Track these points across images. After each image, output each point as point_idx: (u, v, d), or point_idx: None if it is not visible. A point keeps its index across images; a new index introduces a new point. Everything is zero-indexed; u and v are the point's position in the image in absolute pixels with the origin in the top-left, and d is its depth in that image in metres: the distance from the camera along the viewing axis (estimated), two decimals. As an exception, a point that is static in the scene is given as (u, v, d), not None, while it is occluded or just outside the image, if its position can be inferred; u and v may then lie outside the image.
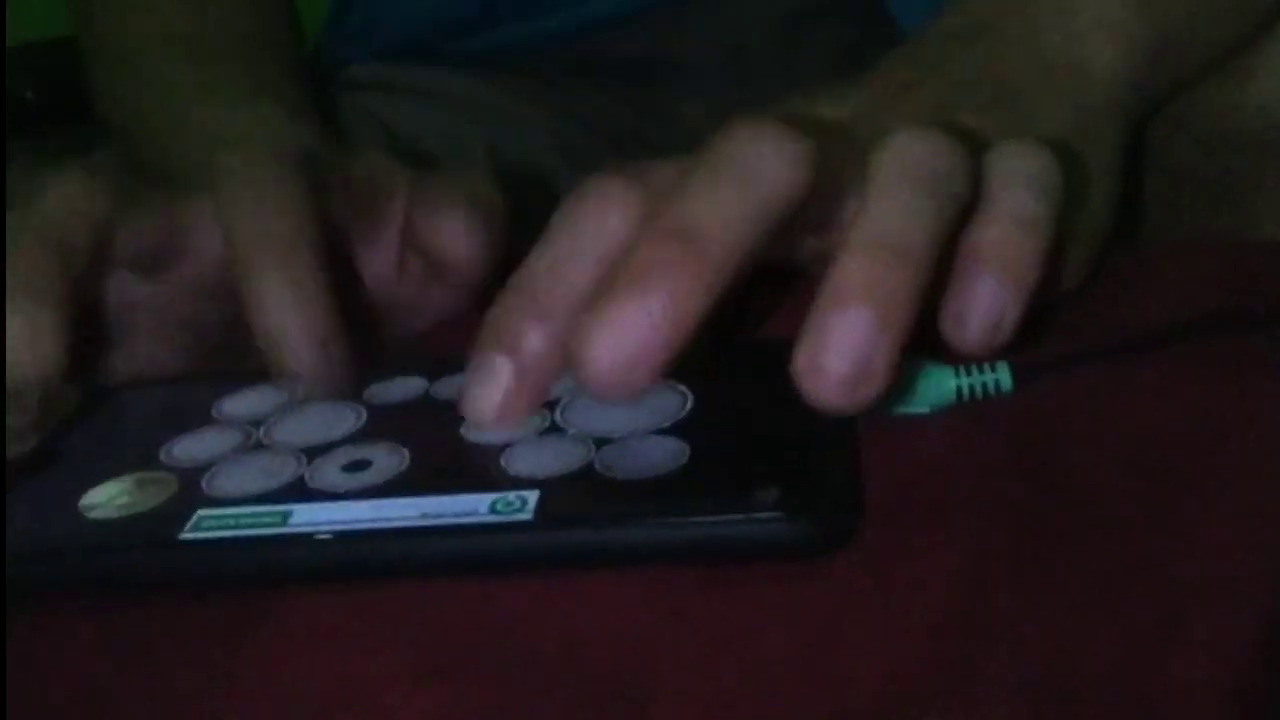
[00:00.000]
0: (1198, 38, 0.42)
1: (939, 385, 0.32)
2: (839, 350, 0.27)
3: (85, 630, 0.29)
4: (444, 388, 0.35)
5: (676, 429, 0.31)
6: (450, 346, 0.41)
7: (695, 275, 0.27)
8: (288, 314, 0.35)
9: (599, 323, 0.27)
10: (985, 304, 0.30)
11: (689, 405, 0.32)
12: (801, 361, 0.27)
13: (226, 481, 0.31)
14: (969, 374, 0.32)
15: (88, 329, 0.38)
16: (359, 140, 0.63)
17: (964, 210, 0.30)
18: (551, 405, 0.33)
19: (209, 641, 0.28)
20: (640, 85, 0.67)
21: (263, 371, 0.37)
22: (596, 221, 0.29)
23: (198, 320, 0.40)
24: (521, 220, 0.58)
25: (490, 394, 0.29)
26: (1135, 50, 0.39)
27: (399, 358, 0.39)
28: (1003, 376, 0.32)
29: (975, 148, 0.31)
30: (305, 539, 0.29)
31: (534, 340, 0.29)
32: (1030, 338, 0.33)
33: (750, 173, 0.29)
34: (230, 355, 0.40)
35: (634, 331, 0.27)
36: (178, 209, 0.38)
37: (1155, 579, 0.26)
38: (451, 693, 0.26)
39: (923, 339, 0.31)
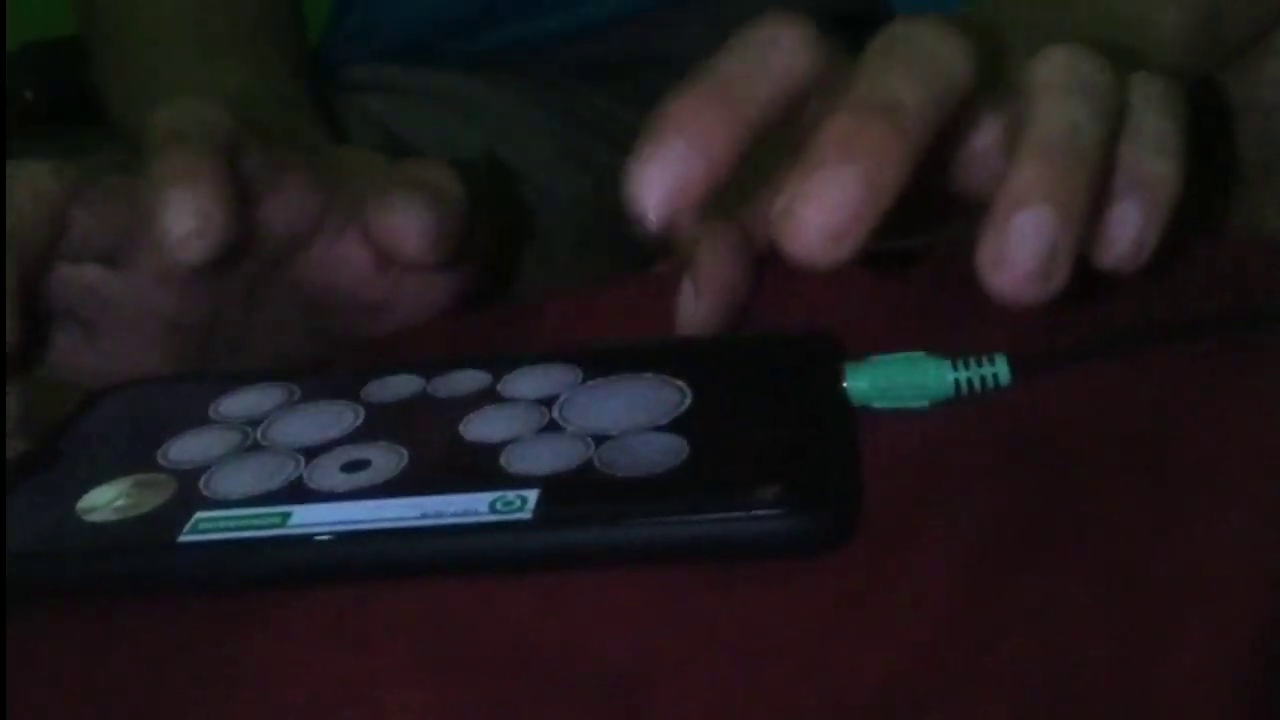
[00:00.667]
0: (1236, 12, 0.42)
1: (937, 379, 0.32)
2: (1027, 246, 0.28)
3: (85, 631, 0.29)
4: (441, 386, 0.35)
5: (675, 426, 0.31)
6: (447, 346, 0.42)
7: (896, 149, 0.28)
8: (173, 189, 0.35)
9: (807, 187, 0.27)
10: (1135, 228, 0.31)
11: (688, 402, 0.32)
12: (987, 257, 0.28)
13: (225, 483, 0.31)
14: (967, 368, 0.32)
15: (56, 322, 0.38)
16: (358, 141, 0.63)
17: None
18: (550, 402, 0.33)
19: (209, 642, 0.28)
20: (640, 85, 0.67)
21: (261, 371, 0.37)
22: (783, 47, 0.31)
23: (168, 314, 0.39)
24: (522, 220, 0.58)
25: (664, 175, 0.29)
26: (1191, 12, 0.40)
27: (395, 357, 0.39)
28: (1001, 370, 0.32)
29: (1121, 68, 0.32)
30: (304, 540, 0.29)
31: (712, 122, 0.29)
32: (1029, 332, 0.33)
33: (932, 59, 0.30)
34: (212, 356, 0.40)
35: (843, 197, 0.27)
36: (136, 193, 0.38)
37: (1155, 576, 0.26)
38: (451, 692, 0.26)
39: (922, 335, 0.31)
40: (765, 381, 0.33)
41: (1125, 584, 0.26)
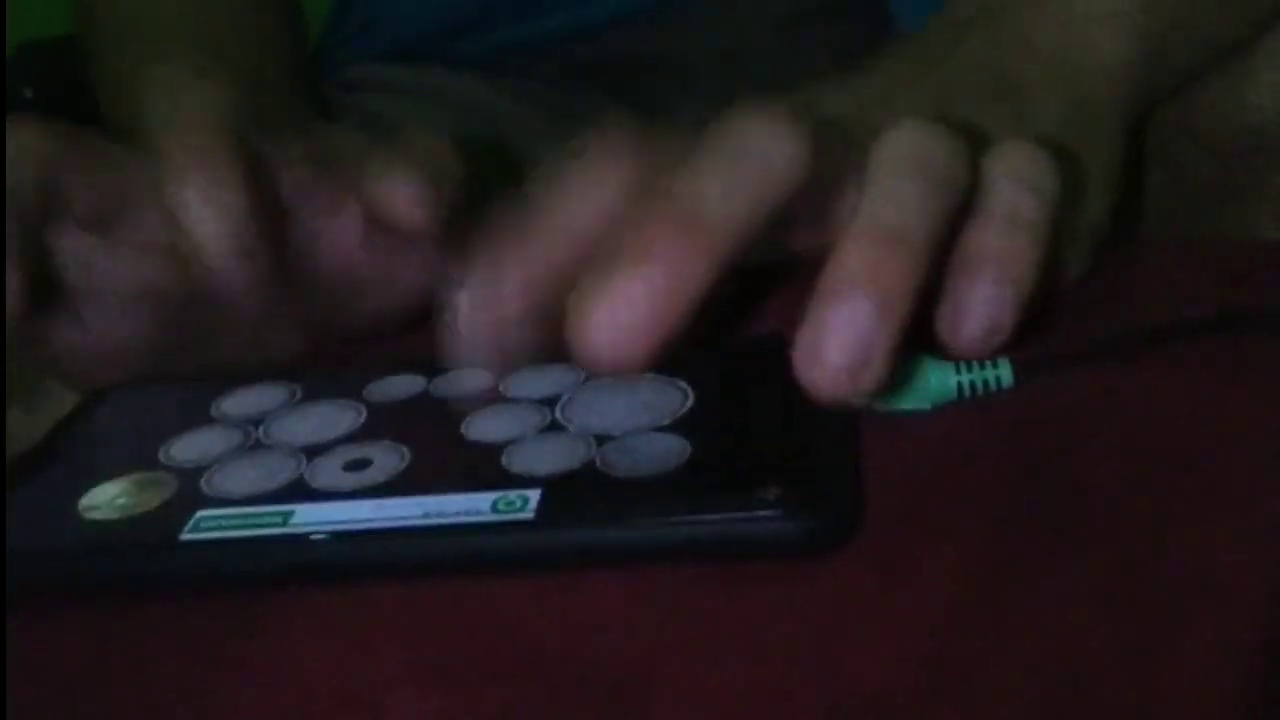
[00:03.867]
0: (1200, 32, 0.42)
1: (940, 382, 0.32)
2: (838, 339, 0.27)
3: (85, 630, 0.29)
4: (443, 385, 0.35)
5: (677, 426, 0.31)
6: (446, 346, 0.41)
7: (696, 255, 0.27)
8: (208, 218, 0.34)
9: (599, 294, 0.27)
10: (983, 306, 0.30)
11: (690, 402, 0.32)
12: (801, 351, 0.28)
13: (226, 482, 0.31)
14: (970, 370, 0.32)
15: (46, 294, 0.38)
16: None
17: (962, 206, 0.30)
18: (552, 403, 0.33)
19: (209, 641, 0.28)
20: (640, 85, 0.67)
21: (260, 371, 0.37)
22: (592, 191, 0.30)
23: (157, 287, 0.38)
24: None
25: (463, 316, 0.29)
26: (1138, 41, 0.39)
27: (397, 356, 0.39)
28: (1004, 373, 0.32)
29: (974, 143, 0.31)
30: (306, 539, 0.29)
31: (513, 280, 0.29)
32: (1031, 334, 0.33)
33: (753, 157, 0.29)
34: (201, 334, 0.39)
35: (634, 305, 0.27)
36: (129, 160, 0.37)
37: (1156, 577, 0.26)
38: (453, 692, 0.26)
39: (924, 336, 0.31)
40: (767, 382, 0.33)
41: (1127, 585, 0.26)
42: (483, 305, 0.29)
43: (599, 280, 0.27)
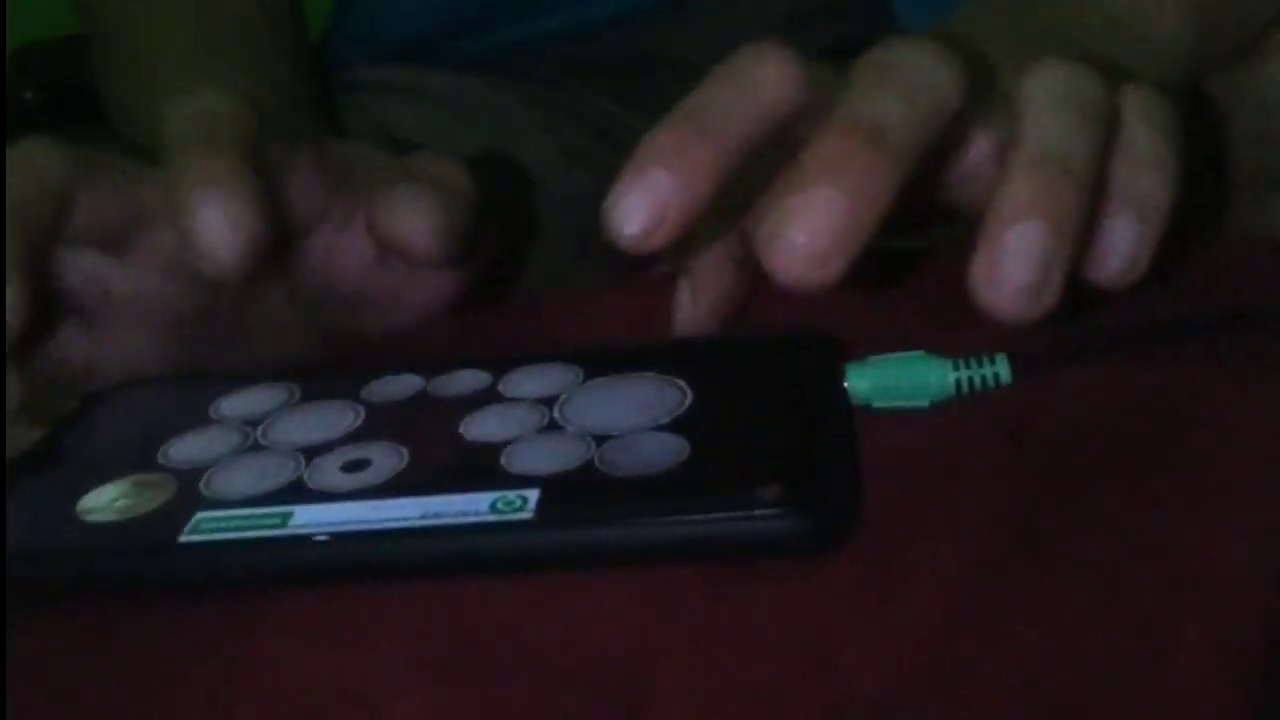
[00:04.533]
0: (1235, 15, 0.42)
1: (938, 379, 0.32)
2: (1018, 262, 0.28)
3: (85, 631, 0.29)
4: (442, 386, 0.35)
5: (676, 425, 0.31)
6: (445, 346, 0.42)
7: (883, 170, 0.28)
8: (207, 202, 0.34)
9: (793, 209, 0.28)
10: (1128, 242, 0.31)
11: (688, 401, 0.32)
12: (980, 273, 0.29)
13: (225, 483, 0.31)
14: (968, 367, 0.32)
15: (60, 314, 0.38)
16: (359, 142, 0.63)
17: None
18: (551, 402, 0.33)
19: (209, 643, 0.28)
20: (640, 85, 0.67)
21: (261, 371, 0.37)
22: (766, 76, 0.30)
23: (170, 304, 0.39)
24: (524, 221, 0.58)
25: (643, 205, 0.29)
26: (1190, 16, 0.40)
27: (395, 356, 0.39)
28: (1002, 370, 0.32)
29: (1113, 81, 0.32)
30: (305, 540, 0.29)
31: (694, 153, 0.29)
32: (1029, 332, 0.33)
33: (920, 81, 0.30)
34: (212, 349, 0.40)
35: (828, 220, 0.27)
36: (144, 180, 0.37)
37: (1155, 576, 0.26)
38: (452, 692, 0.26)
39: (920, 333, 0.31)
40: (766, 381, 0.33)
41: (1126, 584, 0.26)
42: (647, 196, 0.29)
43: (790, 200, 0.28)
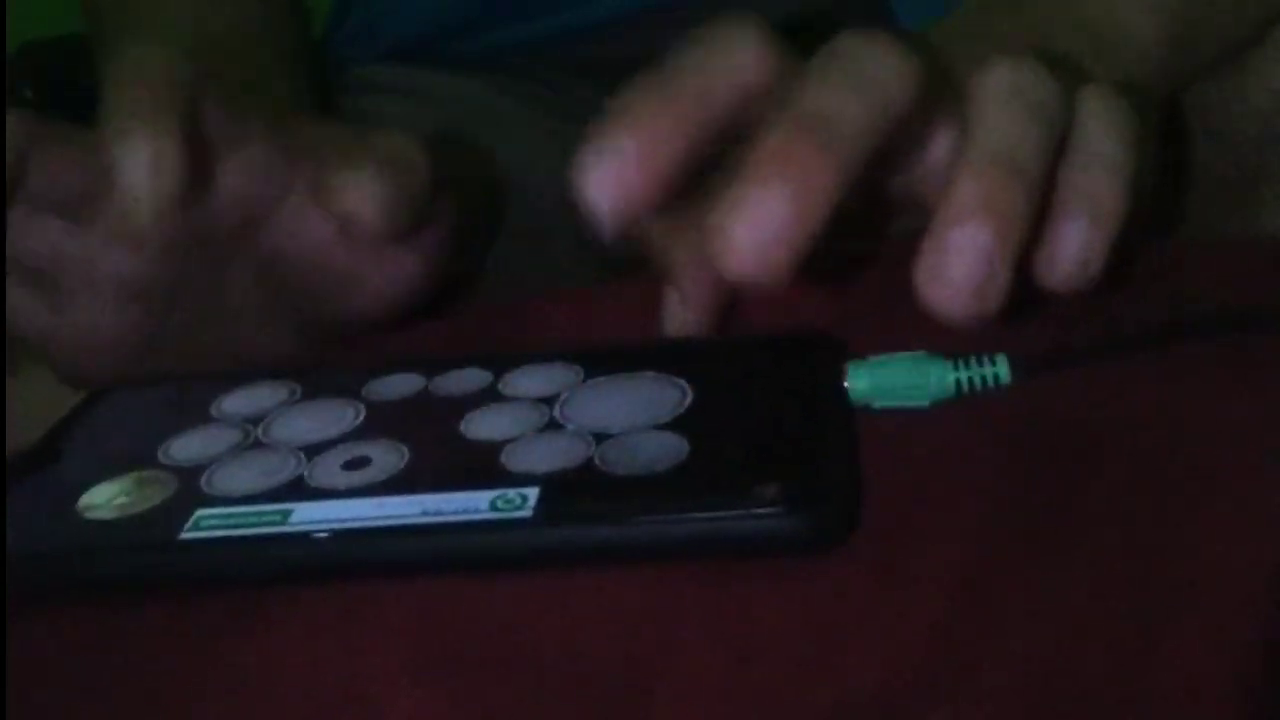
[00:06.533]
0: (1218, 23, 0.42)
1: (938, 379, 0.32)
2: (962, 261, 0.28)
3: (85, 630, 0.29)
4: (442, 384, 0.35)
5: (676, 424, 0.31)
6: (447, 345, 0.42)
7: (830, 166, 0.28)
8: (142, 166, 0.34)
9: (738, 206, 0.28)
10: (1077, 245, 0.31)
11: (688, 400, 0.32)
12: (924, 272, 0.29)
13: (225, 481, 0.31)
14: (968, 367, 0.32)
15: (17, 280, 0.38)
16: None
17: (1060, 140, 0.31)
18: (551, 401, 0.33)
19: (209, 640, 0.28)
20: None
21: (261, 370, 0.37)
22: (738, 49, 0.31)
23: (131, 277, 0.38)
24: (487, 201, 0.58)
25: (613, 174, 0.29)
26: (1169, 23, 0.40)
27: (396, 355, 0.39)
28: (1001, 370, 0.32)
29: (1068, 81, 0.32)
30: (305, 538, 0.29)
31: (662, 122, 0.30)
32: (1029, 332, 0.33)
33: (872, 76, 0.30)
34: (180, 328, 0.39)
35: (774, 214, 0.27)
36: (101, 145, 0.36)
37: (1155, 576, 0.26)
38: (452, 690, 0.26)
39: (920, 334, 0.31)
40: (766, 381, 0.33)
41: (1125, 583, 0.26)
42: (614, 164, 0.29)
43: (737, 192, 0.28)
